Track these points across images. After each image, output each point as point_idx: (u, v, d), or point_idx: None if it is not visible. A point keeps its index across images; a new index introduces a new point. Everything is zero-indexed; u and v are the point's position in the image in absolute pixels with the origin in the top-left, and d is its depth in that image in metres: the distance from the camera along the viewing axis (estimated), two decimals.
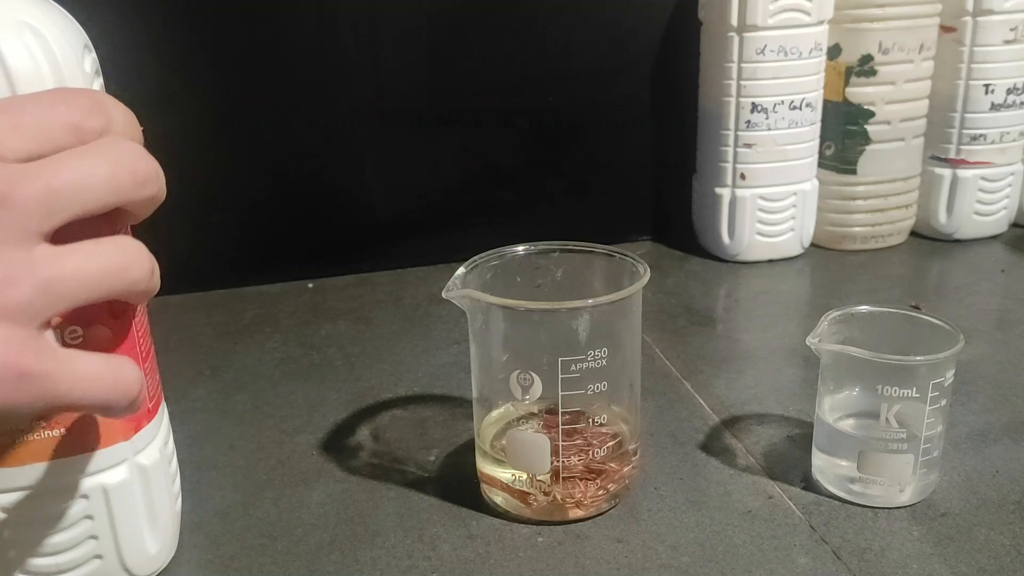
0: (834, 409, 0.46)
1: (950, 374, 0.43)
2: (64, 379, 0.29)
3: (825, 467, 0.46)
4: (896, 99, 0.74)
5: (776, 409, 0.54)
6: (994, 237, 0.80)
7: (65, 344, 0.35)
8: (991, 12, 0.72)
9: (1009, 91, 0.74)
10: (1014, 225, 0.82)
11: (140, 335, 0.38)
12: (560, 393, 0.42)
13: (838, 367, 0.45)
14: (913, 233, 0.81)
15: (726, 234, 0.76)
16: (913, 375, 0.42)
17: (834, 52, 0.73)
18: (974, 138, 0.76)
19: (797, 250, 0.77)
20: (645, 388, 0.46)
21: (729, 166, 0.74)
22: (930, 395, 0.42)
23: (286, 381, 0.59)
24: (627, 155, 0.81)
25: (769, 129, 0.72)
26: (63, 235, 0.29)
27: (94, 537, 0.38)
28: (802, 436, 0.50)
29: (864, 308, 0.46)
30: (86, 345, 0.36)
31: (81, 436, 0.37)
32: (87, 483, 0.38)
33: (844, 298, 0.69)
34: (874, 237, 0.78)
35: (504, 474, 0.44)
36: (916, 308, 0.66)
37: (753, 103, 0.72)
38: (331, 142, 0.74)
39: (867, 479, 0.44)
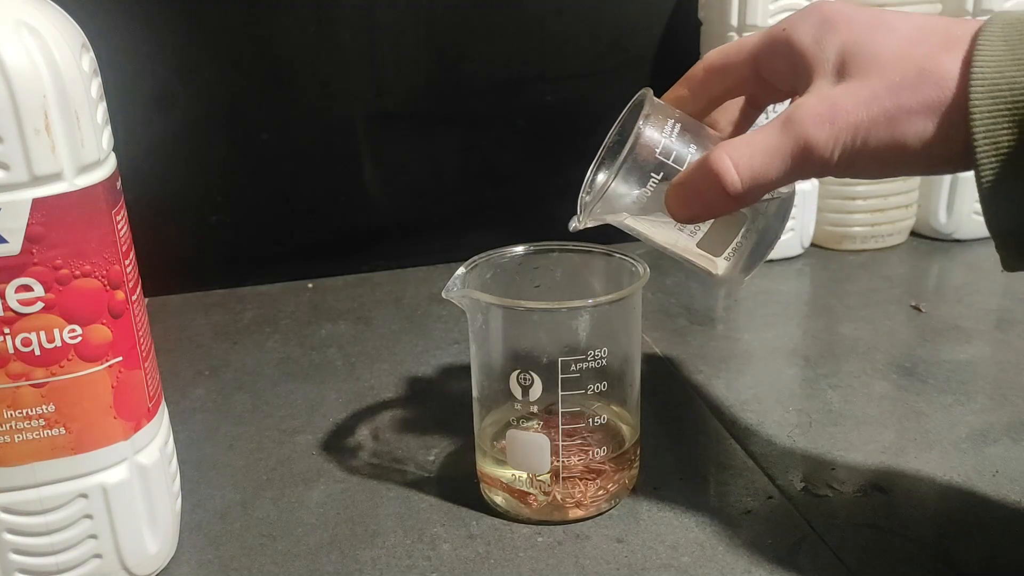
0: None
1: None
2: None
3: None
4: None
5: (776, 409, 0.54)
6: None
7: (64, 344, 0.35)
8: (991, 12, 0.72)
9: None
10: None
11: (140, 335, 0.38)
12: (560, 393, 0.42)
13: None
14: (913, 233, 0.81)
15: None
16: None
17: None
18: None
19: (797, 250, 0.77)
20: (645, 388, 0.46)
21: None
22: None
23: (286, 381, 0.59)
24: None
25: None
26: None
27: (94, 536, 0.38)
28: (802, 436, 0.50)
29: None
30: (86, 345, 0.36)
31: (81, 435, 0.37)
32: (86, 482, 0.38)
33: (844, 298, 0.69)
34: (874, 237, 0.78)
35: (504, 474, 0.44)
36: (916, 309, 0.66)
37: None
38: (330, 142, 0.74)
39: None
